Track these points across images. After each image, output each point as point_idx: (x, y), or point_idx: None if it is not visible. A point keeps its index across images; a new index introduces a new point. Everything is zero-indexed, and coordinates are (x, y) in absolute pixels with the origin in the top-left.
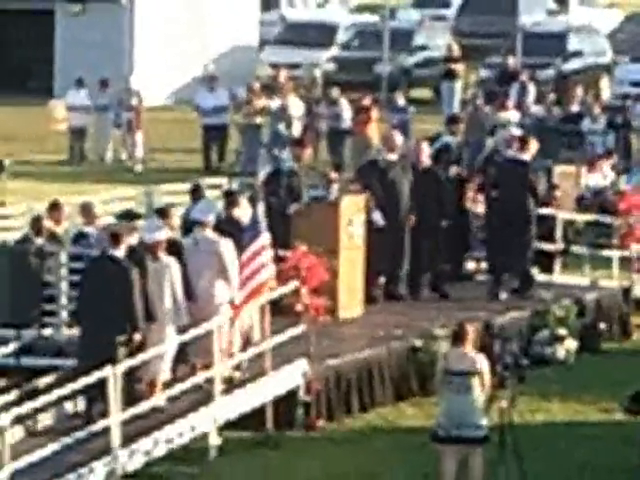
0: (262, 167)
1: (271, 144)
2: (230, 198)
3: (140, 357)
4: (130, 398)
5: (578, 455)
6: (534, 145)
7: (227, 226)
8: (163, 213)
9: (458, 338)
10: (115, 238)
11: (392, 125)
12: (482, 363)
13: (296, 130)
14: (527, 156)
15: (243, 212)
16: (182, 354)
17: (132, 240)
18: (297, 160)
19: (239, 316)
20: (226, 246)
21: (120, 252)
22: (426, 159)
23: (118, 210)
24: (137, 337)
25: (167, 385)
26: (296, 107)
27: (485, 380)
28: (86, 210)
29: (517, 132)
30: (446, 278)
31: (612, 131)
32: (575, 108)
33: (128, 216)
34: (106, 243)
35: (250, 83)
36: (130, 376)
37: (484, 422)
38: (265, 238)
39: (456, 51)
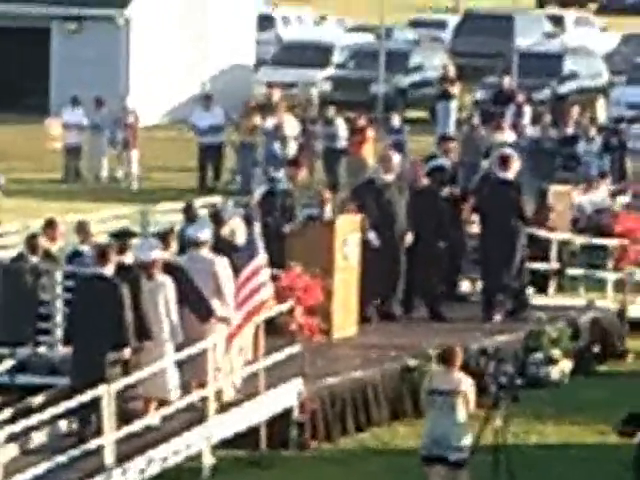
0: (257, 186)
1: (266, 164)
2: (216, 218)
3: (136, 375)
4: (124, 417)
5: (571, 477)
6: (516, 163)
7: (218, 245)
8: (165, 236)
9: (446, 360)
10: (102, 256)
11: (388, 145)
12: (466, 384)
13: (291, 150)
14: (510, 174)
15: (236, 231)
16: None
17: (126, 259)
18: (291, 180)
19: (239, 335)
20: (221, 264)
21: (108, 270)
22: (424, 178)
23: (113, 229)
24: (127, 353)
25: (161, 404)
26: (291, 127)
27: (469, 401)
28: (81, 228)
29: (509, 152)
30: (442, 299)
31: (607, 153)
32: (570, 130)
33: (123, 235)
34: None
35: (246, 101)
36: (124, 394)
37: (466, 443)
38: (262, 258)
39: (452, 72)
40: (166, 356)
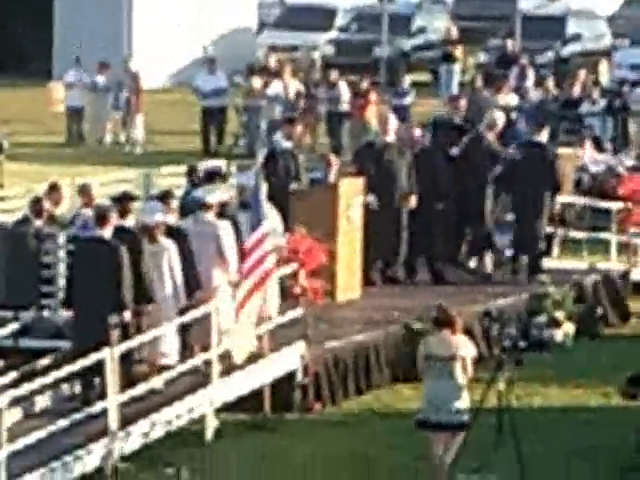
0: (260, 149)
1: (269, 127)
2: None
3: (138, 339)
4: (128, 380)
5: (575, 439)
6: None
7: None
8: (163, 197)
9: (440, 323)
10: (101, 219)
11: (392, 108)
12: (464, 347)
13: (295, 113)
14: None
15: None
16: (182, 337)
17: (126, 222)
18: (289, 138)
19: (248, 304)
20: (225, 229)
21: (107, 232)
22: (419, 141)
23: (116, 192)
24: (127, 315)
25: (165, 367)
26: (295, 90)
27: (467, 365)
28: (84, 192)
29: (501, 116)
30: (442, 261)
31: (610, 115)
32: (577, 91)
33: (124, 198)
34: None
35: (249, 64)
36: (127, 358)
37: (464, 407)
38: (267, 225)
39: (455, 34)
40: (168, 319)
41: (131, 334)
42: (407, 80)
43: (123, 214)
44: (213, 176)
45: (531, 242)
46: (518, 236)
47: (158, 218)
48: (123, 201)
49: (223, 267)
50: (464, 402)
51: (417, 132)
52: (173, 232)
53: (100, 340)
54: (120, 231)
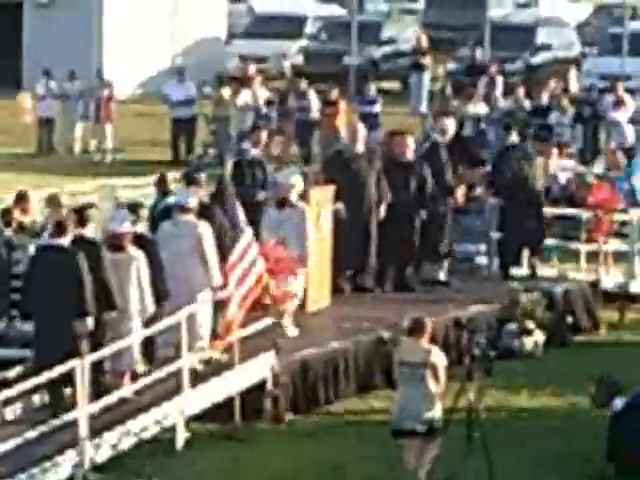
0: (230, 159)
1: (239, 136)
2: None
3: (108, 349)
4: (97, 390)
5: (546, 448)
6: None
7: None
8: (133, 207)
9: (413, 330)
10: (60, 227)
11: (361, 116)
12: (436, 355)
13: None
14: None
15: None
16: (149, 347)
17: (86, 231)
18: (256, 145)
19: (238, 319)
20: (205, 228)
21: (65, 241)
22: (410, 154)
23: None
24: (90, 323)
25: (135, 376)
26: (264, 99)
27: (439, 373)
28: (53, 202)
29: (452, 123)
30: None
31: (580, 123)
32: (545, 100)
33: (83, 208)
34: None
35: (218, 74)
36: (97, 368)
37: (434, 416)
38: (249, 235)
39: (424, 43)
40: (134, 329)
41: (94, 343)
42: (373, 88)
43: (82, 223)
44: (192, 181)
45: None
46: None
47: (126, 227)
48: (82, 210)
49: (205, 268)
50: (435, 410)
51: (410, 144)
52: (142, 241)
53: (65, 349)
54: (79, 240)
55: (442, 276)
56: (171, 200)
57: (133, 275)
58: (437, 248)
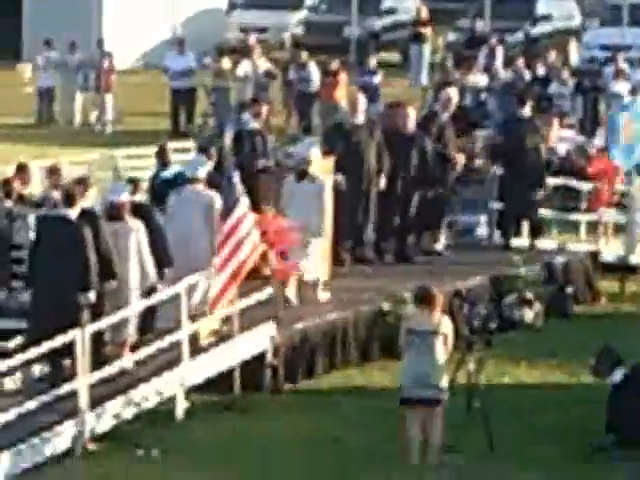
0: (229, 130)
1: (239, 107)
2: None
3: (107, 320)
4: (97, 360)
5: (545, 418)
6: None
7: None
8: (133, 182)
9: (423, 300)
10: (70, 198)
11: (361, 88)
12: (446, 325)
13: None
14: None
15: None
16: (148, 317)
17: (85, 203)
18: (256, 117)
19: (224, 298)
20: (217, 199)
21: (74, 212)
22: (411, 125)
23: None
24: (92, 296)
25: (135, 347)
26: (264, 69)
27: (448, 342)
28: (54, 173)
29: (455, 94)
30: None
31: (580, 95)
32: (541, 71)
33: (83, 180)
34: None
35: (219, 45)
36: (97, 338)
37: (444, 384)
38: (244, 205)
39: (424, 14)
40: (135, 299)
41: (95, 314)
42: (374, 60)
43: (81, 195)
44: (204, 152)
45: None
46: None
47: (124, 197)
48: (81, 182)
49: (211, 237)
50: (444, 378)
51: (412, 115)
52: (142, 210)
53: (66, 320)
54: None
55: (439, 247)
56: (176, 170)
57: (132, 245)
58: (436, 219)
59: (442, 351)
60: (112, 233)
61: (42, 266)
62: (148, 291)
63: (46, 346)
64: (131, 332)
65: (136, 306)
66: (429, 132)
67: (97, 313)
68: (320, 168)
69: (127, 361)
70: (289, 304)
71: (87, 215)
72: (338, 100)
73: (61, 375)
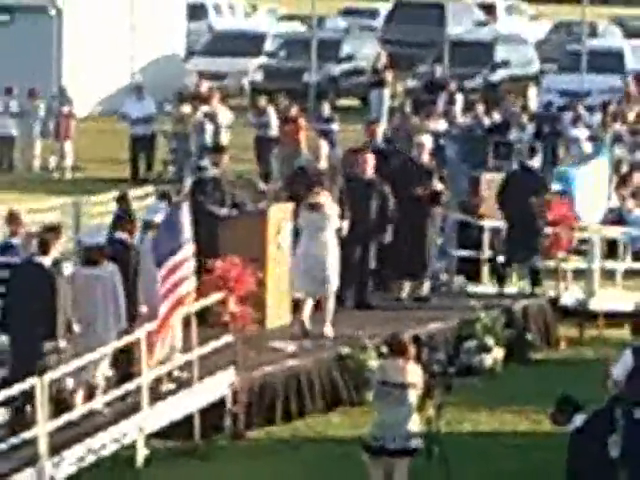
0: (189, 176)
1: (199, 154)
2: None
3: (73, 364)
4: (60, 406)
5: (505, 465)
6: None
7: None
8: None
9: (395, 350)
10: (44, 246)
11: (319, 133)
12: (417, 375)
13: (224, 139)
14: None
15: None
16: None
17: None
18: (216, 166)
19: (164, 330)
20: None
21: (47, 260)
22: (370, 170)
23: (45, 220)
24: (62, 344)
25: (92, 393)
26: (224, 116)
27: (418, 392)
28: (13, 219)
29: (428, 139)
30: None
31: (539, 140)
32: (497, 117)
33: (54, 229)
34: (31, 249)
35: (177, 91)
36: (60, 383)
37: (416, 432)
38: (188, 250)
39: (384, 60)
40: (104, 344)
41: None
42: (328, 107)
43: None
44: (164, 196)
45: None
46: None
47: (100, 240)
48: (54, 230)
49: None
50: (417, 427)
51: (370, 160)
52: (127, 248)
53: (34, 366)
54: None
55: (425, 292)
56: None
57: (108, 289)
58: (421, 266)
59: (414, 401)
60: (87, 277)
61: (16, 312)
62: (121, 334)
63: (4, 393)
64: (100, 375)
65: (106, 349)
66: (412, 177)
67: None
68: (278, 214)
69: (87, 408)
70: (304, 329)
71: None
72: (299, 145)
73: (24, 420)
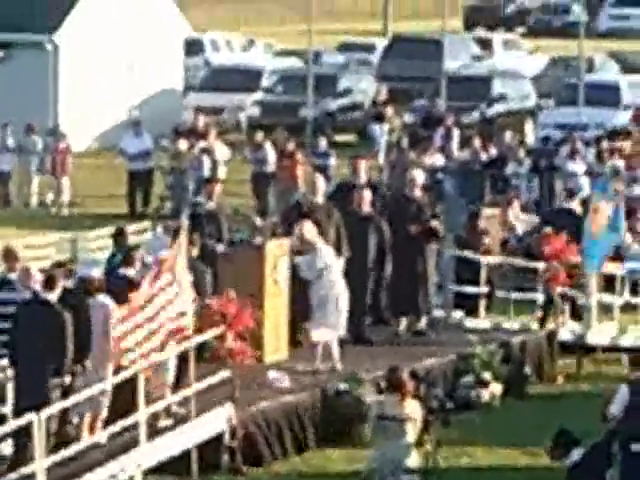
0: (186, 212)
1: (196, 189)
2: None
3: (73, 398)
4: (62, 440)
5: None
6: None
7: None
8: (126, 255)
9: (393, 385)
10: (49, 282)
11: (316, 168)
12: (417, 410)
13: (221, 174)
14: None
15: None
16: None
17: (68, 283)
18: (209, 197)
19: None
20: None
21: (53, 296)
22: (366, 206)
23: (42, 255)
24: (67, 380)
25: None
26: (221, 151)
27: (416, 427)
28: (9, 255)
29: (420, 174)
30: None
31: (536, 175)
32: (494, 152)
33: (65, 264)
34: (28, 283)
35: (175, 126)
36: (63, 418)
37: (415, 467)
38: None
39: (384, 94)
40: (102, 378)
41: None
42: (325, 141)
43: (66, 276)
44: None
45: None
46: None
47: (95, 273)
48: (62, 266)
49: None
50: (415, 461)
51: (367, 196)
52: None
53: (41, 402)
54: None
55: (422, 325)
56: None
57: (100, 322)
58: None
59: (412, 436)
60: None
61: (22, 349)
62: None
63: (5, 427)
64: (103, 407)
65: (106, 384)
66: (406, 213)
67: (66, 392)
68: (275, 249)
69: (84, 444)
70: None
71: (69, 296)
72: (296, 180)
73: (23, 456)
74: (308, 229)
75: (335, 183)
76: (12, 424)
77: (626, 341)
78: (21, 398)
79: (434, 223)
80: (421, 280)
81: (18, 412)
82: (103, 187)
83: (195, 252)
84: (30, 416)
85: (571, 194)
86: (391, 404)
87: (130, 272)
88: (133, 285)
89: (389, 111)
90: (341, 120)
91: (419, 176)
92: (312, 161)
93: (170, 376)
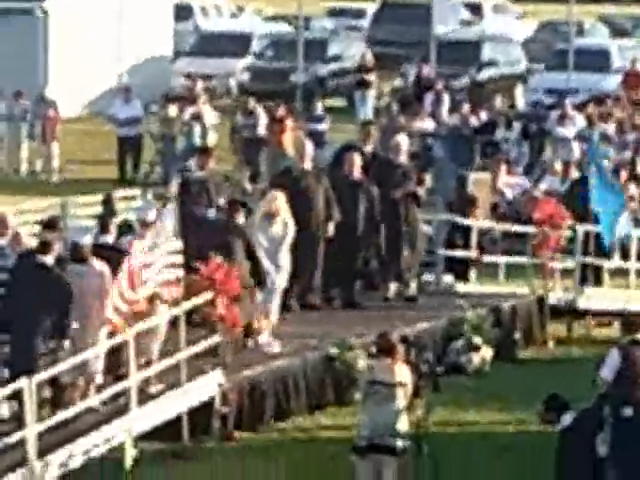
0: (175, 178)
1: (186, 155)
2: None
3: (68, 362)
4: (58, 405)
5: (493, 465)
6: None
7: None
8: (102, 222)
9: (384, 350)
10: (45, 245)
11: (308, 134)
12: (406, 375)
13: (211, 140)
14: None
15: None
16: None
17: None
18: (202, 168)
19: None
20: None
21: (50, 259)
22: (356, 172)
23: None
24: (66, 345)
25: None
26: (210, 117)
27: (408, 392)
28: (0, 221)
29: (404, 139)
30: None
31: (526, 140)
32: (484, 117)
33: (52, 224)
34: (19, 249)
35: (165, 92)
36: (56, 383)
37: (405, 432)
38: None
39: (370, 60)
40: (97, 342)
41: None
42: (320, 106)
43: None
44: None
45: None
46: None
47: (87, 239)
48: (52, 224)
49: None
50: (405, 426)
51: (357, 161)
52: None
53: (35, 365)
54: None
55: (412, 291)
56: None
57: (95, 288)
58: (396, 266)
59: (403, 401)
60: (76, 274)
61: (15, 310)
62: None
63: None
64: (96, 372)
65: (101, 347)
66: (390, 178)
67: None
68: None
69: (75, 409)
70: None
71: (61, 262)
72: (285, 146)
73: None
74: (279, 199)
75: (340, 145)
76: (4, 390)
77: (617, 305)
78: (15, 363)
79: (416, 188)
80: (401, 247)
81: (13, 377)
82: (93, 153)
83: (241, 219)
84: (21, 381)
85: (617, 171)
86: (381, 369)
87: (107, 239)
88: (115, 250)
89: (374, 76)
90: (331, 85)
91: (404, 141)
92: (306, 126)
93: (161, 333)
